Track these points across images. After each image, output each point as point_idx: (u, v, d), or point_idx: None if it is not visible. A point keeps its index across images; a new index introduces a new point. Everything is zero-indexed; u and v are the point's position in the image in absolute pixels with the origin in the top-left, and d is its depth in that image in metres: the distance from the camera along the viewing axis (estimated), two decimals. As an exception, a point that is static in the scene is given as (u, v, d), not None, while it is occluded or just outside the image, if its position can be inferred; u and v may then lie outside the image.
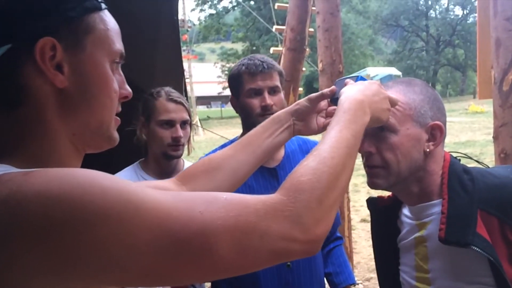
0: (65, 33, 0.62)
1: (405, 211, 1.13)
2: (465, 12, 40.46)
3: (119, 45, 0.69)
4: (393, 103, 0.92)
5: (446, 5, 43.00)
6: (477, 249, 0.92)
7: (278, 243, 0.60)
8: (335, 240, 1.71)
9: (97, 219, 0.51)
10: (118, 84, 0.69)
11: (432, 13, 42.87)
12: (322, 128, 1.00)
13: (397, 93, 1.02)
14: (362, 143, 1.04)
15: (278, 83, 1.49)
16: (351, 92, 0.84)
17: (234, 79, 1.52)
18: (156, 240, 0.54)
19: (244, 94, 1.49)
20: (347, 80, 0.94)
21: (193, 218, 0.56)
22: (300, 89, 4.26)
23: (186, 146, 1.73)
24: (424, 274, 1.06)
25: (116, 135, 0.71)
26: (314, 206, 0.63)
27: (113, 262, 0.52)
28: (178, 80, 2.62)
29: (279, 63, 4.12)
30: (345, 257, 1.71)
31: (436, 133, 1.02)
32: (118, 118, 0.71)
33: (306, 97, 1.00)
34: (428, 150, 1.02)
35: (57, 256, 0.50)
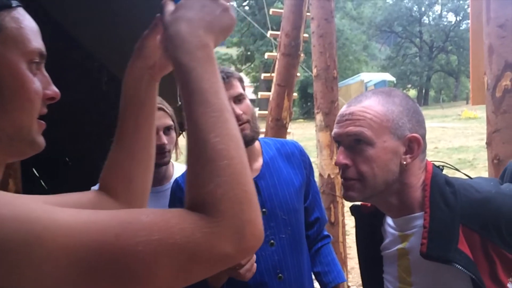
0: None
1: (389, 220, 1.11)
2: (458, 19, 40.77)
3: (36, 43, 0.63)
4: None
5: (439, 12, 43.34)
6: (459, 266, 0.91)
7: (212, 260, 0.54)
8: (322, 238, 1.67)
9: None
10: (42, 85, 0.64)
11: (425, 20, 43.15)
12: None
13: (376, 103, 1.00)
14: (338, 156, 1.02)
15: (241, 90, 1.43)
16: (177, 29, 0.63)
17: None
18: (67, 273, 0.48)
19: None
20: (166, 2, 0.70)
21: (107, 244, 0.49)
22: (295, 94, 4.26)
23: (174, 151, 1.70)
24: (407, 286, 1.05)
25: (40, 139, 0.65)
26: (239, 210, 0.54)
27: None
28: (173, 84, 2.62)
29: (273, 68, 4.12)
30: (334, 255, 1.67)
31: (414, 145, 1.00)
32: (42, 121, 0.65)
33: (136, 49, 0.84)
34: (405, 163, 1.00)
35: None
